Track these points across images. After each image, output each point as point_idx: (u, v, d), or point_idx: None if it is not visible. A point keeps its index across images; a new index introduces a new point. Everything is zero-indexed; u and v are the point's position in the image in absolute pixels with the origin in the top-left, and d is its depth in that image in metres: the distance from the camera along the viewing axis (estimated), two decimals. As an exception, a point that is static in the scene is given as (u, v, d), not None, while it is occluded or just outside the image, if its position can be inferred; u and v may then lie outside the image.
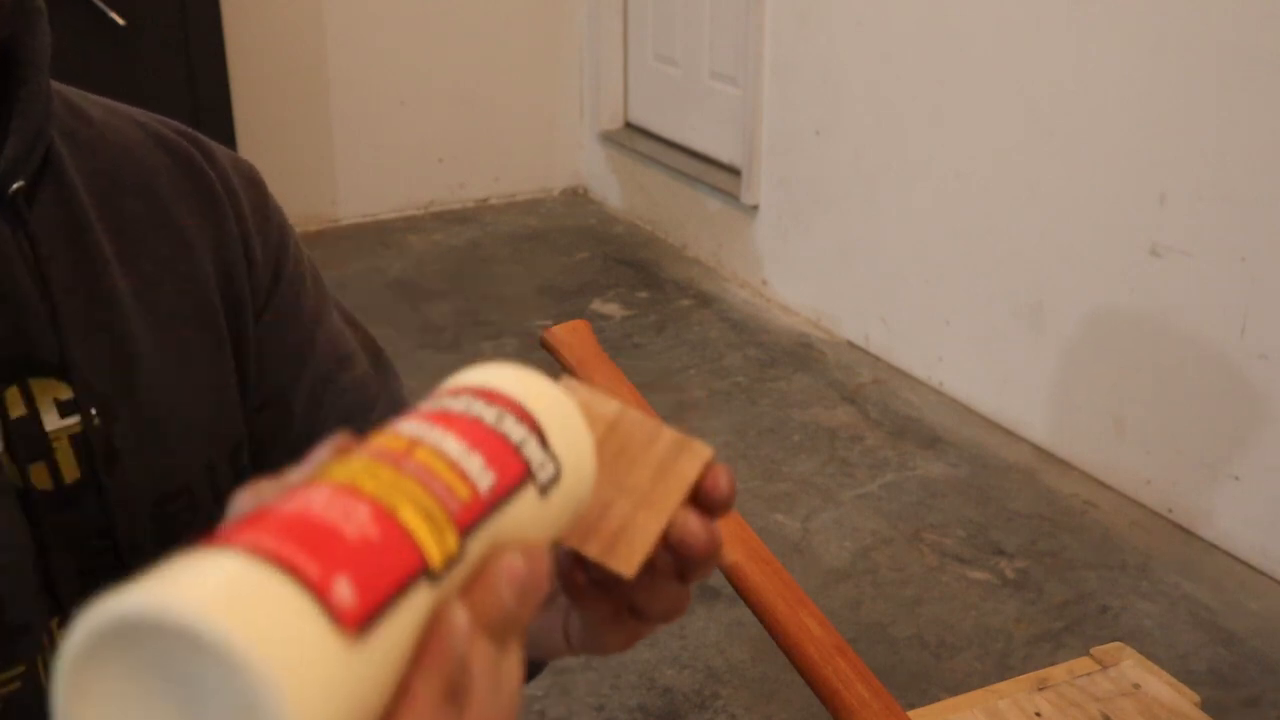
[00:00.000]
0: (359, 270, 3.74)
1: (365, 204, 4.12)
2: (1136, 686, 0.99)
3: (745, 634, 2.10)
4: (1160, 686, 0.99)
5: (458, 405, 0.40)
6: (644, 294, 3.59)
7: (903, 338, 3.09)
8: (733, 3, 3.51)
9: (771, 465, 2.67)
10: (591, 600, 0.51)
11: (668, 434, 0.48)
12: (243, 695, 0.29)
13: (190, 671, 0.30)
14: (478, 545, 0.37)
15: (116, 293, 0.67)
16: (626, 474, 0.47)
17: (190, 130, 0.77)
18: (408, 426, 0.39)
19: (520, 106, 4.28)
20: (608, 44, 4.14)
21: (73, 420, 0.64)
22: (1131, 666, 1.01)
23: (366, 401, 0.81)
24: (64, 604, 0.65)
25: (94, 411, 0.65)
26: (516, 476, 0.39)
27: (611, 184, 4.29)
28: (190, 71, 3.36)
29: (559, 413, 0.43)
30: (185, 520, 0.70)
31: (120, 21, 3.18)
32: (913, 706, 0.99)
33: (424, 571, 0.34)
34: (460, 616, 0.35)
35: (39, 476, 0.63)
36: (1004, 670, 2.03)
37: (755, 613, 0.78)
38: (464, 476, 0.37)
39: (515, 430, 0.40)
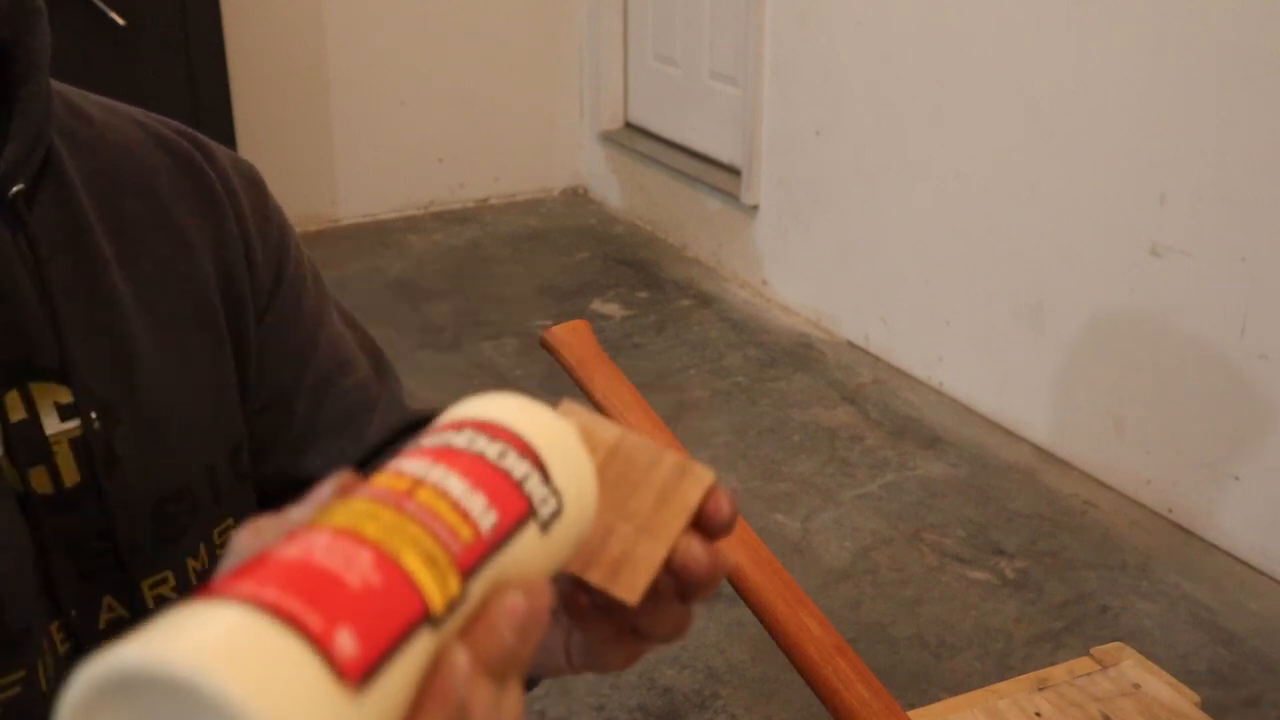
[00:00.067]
0: (359, 270, 3.74)
1: (365, 204, 4.12)
2: (1136, 686, 0.99)
3: (745, 634, 2.10)
4: (1160, 686, 0.99)
5: (460, 440, 0.40)
6: (644, 294, 3.59)
7: (903, 338, 3.09)
8: (733, 3, 3.51)
9: (771, 465, 2.67)
10: (594, 621, 0.50)
11: (669, 458, 0.48)
12: None
13: None
14: (479, 586, 0.37)
15: (116, 294, 0.67)
16: (628, 500, 0.47)
17: (190, 130, 0.77)
18: (410, 465, 0.39)
19: (520, 106, 4.28)
20: (608, 44, 4.14)
21: (73, 424, 0.64)
22: (1131, 666, 1.01)
23: (367, 404, 0.81)
24: (64, 608, 0.64)
25: (94, 415, 0.65)
26: (519, 514, 0.39)
27: (611, 184, 4.30)
28: (190, 71, 3.36)
29: (561, 445, 0.42)
30: (185, 523, 0.70)
31: (120, 21, 3.18)
32: (913, 706, 0.99)
33: (426, 617, 0.34)
34: (461, 660, 0.35)
35: (39, 480, 0.63)
36: (1004, 670, 2.03)
37: (755, 613, 0.78)
38: (466, 517, 0.37)
39: (518, 466, 0.40)
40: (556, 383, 2.93)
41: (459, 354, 3.20)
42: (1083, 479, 2.60)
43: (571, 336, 1.03)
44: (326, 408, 0.79)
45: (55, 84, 0.68)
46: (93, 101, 0.73)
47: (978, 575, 2.29)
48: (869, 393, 3.00)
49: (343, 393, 0.80)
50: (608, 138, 4.22)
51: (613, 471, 0.47)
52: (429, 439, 0.41)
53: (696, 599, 0.49)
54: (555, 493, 0.41)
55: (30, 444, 0.63)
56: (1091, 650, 1.04)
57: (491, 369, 3.12)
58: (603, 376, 0.98)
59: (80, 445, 0.64)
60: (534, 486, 0.40)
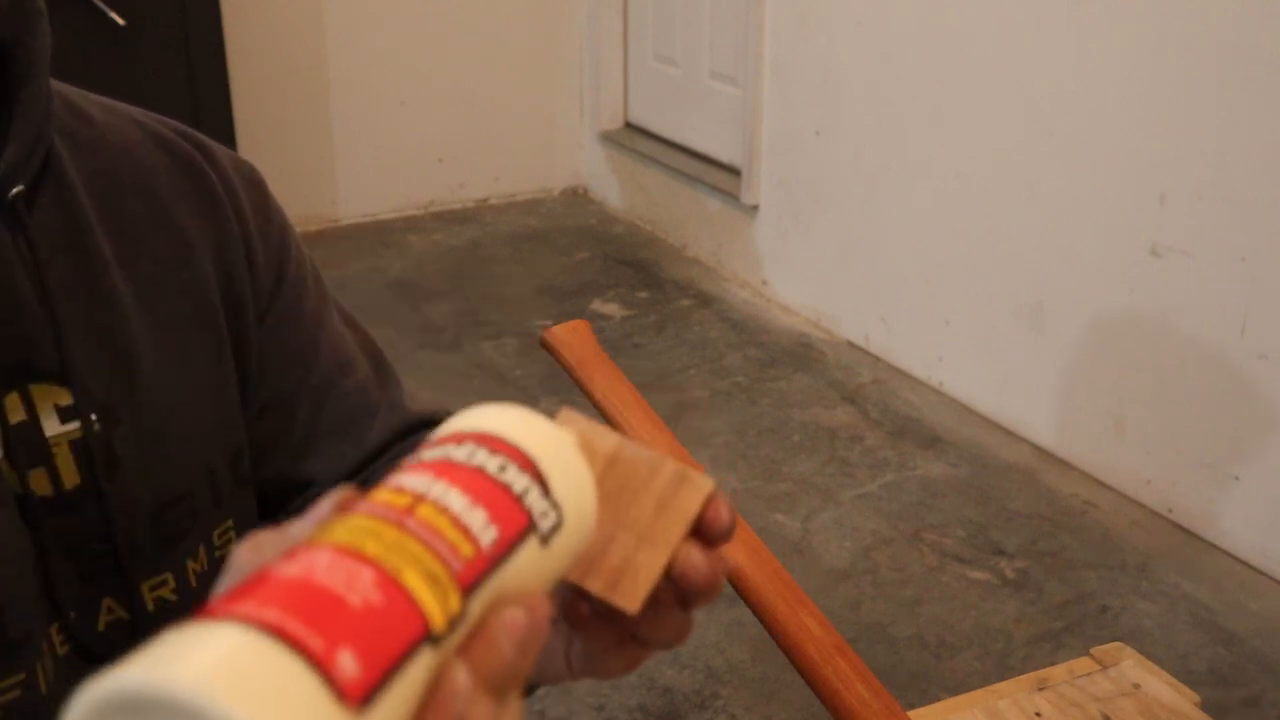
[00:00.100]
0: (359, 270, 3.74)
1: (365, 204, 4.12)
2: (1136, 686, 0.99)
3: (745, 634, 2.10)
4: (1160, 686, 0.99)
5: (461, 454, 0.40)
6: (644, 294, 3.59)
7: (903, 338, 3.09)
8: (733, 3, 3.51)
9: (771, 465, 2.67)
10: (594, 629, 0.51)
11: (668, 466, 0.48)
12: None
13: None
14: (480, 601, 0.37)
15: (116, 295, 0.67)
16: (628, 509, 0.47)
17: (191, 131, 0.76)
18: (410, 480, 0.39)
19: (520, 106, 4.28)
20: (608, 44, 4.14)
21: (73, 426, 0.64)
22: (1131, 666, 1.01)
23: (368, 406, 0.81)
24: (64, 610, 0.64)
25: (94, 417, 0.64)
26: (519, 529, 0.39)
27: (611, 184, 4.29)
28: (190, 71, 3.36)
29: (561, 457, 0.42)
30: (185, 525, 0.70)
31: (120, 21, 3.18)
32: (913, 706, 0.99)
33: (427, 636, 0.34)
34: (461, 678, 0.35)
35: (39, 482, 0.63)
36: (1004, 670, 2.03)
37: (755, 613, 0.78)
38: (467, 533, 0.37)
39: (518, 480, 0.40)
40: (556, 383, 2.94)
41: (459, 354, 3.20)
42: (1083, 479, 2.60)
43: (571, 336, 1.03)
44: (327, 410, 0.79)
45: (56, 84, 0.68)
46: (93, 101, 0.73)
47: (978, 575, 2.29)
48: (869, 393, 3.00)
49: (343, 395, 0.80)
50: (608, 138, 4.22)
51: (612, 480, 0.47)
52: (429, 452, 0.41)
53: (696, 606, 0.49)
54: (555, 506, 0.41)
55: (30, 446, 0.63)
56: (1091, 650, 1.04)
57: (491, 369, 3.12)
58: (603, 376, 0.98)
59: (80, 447, 0.64)
60: (534, 500, 0.40)
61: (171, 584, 0.69)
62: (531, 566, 0.40)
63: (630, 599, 0.46)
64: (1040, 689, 0.99)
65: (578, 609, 0.50)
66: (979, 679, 1.99)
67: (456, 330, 3.34)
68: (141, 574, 0.67)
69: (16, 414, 0.63)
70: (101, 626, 0.66)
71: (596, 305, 3.51)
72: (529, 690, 0.63)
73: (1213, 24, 2.19)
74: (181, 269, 0.71)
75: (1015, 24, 2.61)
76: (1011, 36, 2.63)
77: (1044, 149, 2.59)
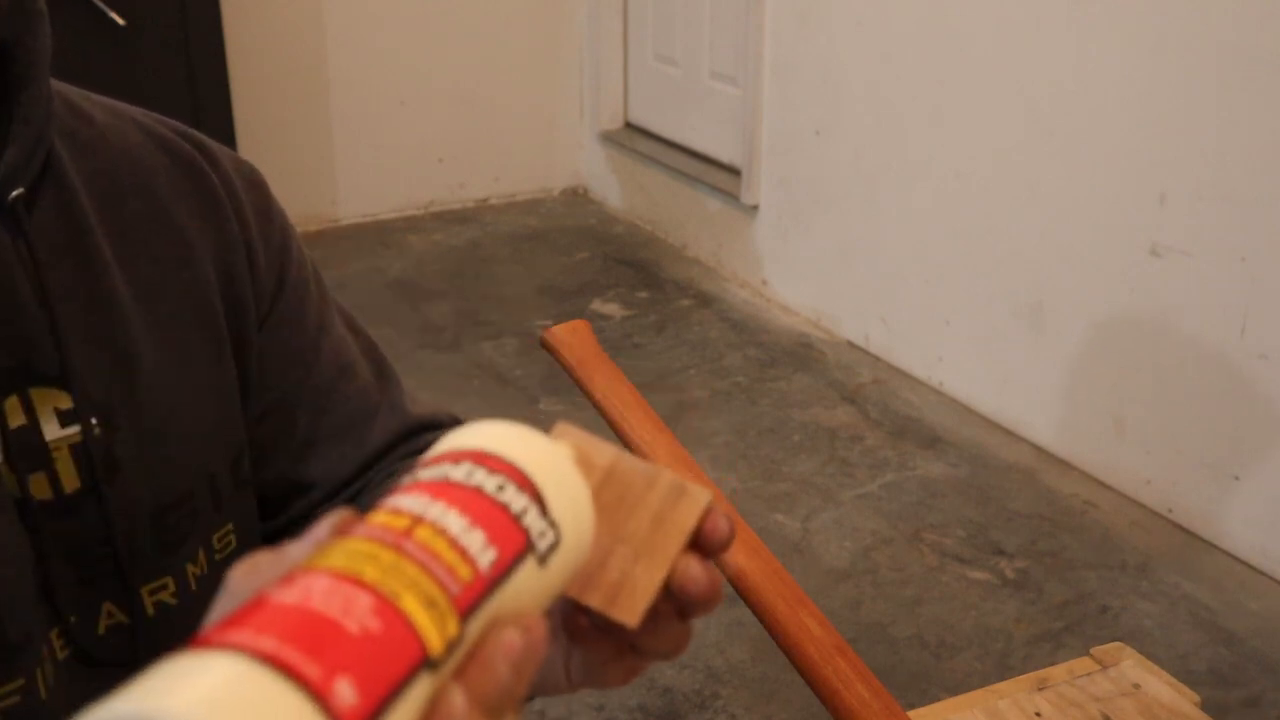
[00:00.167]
0: (359, 270, 3.74)
1: (365, 204, 4.12)
2: (1136, 686, 0.99)
3: (745, 634, 2.10)
4: (1160, 686, 0.99)
5: (458, 474, 0.40)
6: (644, 294, 3.59)
7: (903, 338, 3.09)
8: (733, 3, 3.51)
9: (771, 465, 2.67)
10: (593, 641, 0.51)
11: (665, 478, 0.48)
12: None
13: None
14: (478, 624, 0.37)
15: (117, 296, 0.67)
16: (625, 522, 0.47)
17: (192, 131, 0.76)
18: (408, 501, 0.38)
19: (520, 106, 4.28)
20: (608, 44, 4.14)
21: (73, 430, 0.64)
22: (1131, 666, 1.01)
23: (369, 409, 0.81)
24: (63, 614, 0.64)
25: (94, 421, 0.64)
26: (517, 550, 0.39)
27: (611, 184, 4.29)
28: (190, 71, 3.36)
29: (558, 475, 0.42)
30: (185, 529, 0.69)
31: (120, 21, 3.18)
32: (913, 706, 0.99)
33: (425, 661, 0.34)
34: (457, 701, 0.35)
35: (38, 487, 0.63)
36: (1004, 670, 2.03)
37: (755, 613, 0.78)
38: (465, 554, 0.37)
39: (516, 500, 0.40)
40: (556, 383, 2.94)
41: (459, 354, 3.20)
42: (1083, 479, 2.60)
43: (571, 336, 1.03)
44: (328, 413, 0.79)
45: (56, 84, 0.68)
46: (94, 102, 0.73)
47: (978, 575, 2.29)
48: (869, 393, 3.00)
49: (344, 398, 0.80)
50: (608, 138, 4.22)
51: (609, 494, 0.47)
52: (426, 472, 0.40)
53: (695, 616, 0.49)
54: (553, 524, 0.41)
55: (30, 450, 0.63)
56: (1091, 650, 1.04)
57: (491, 369, 3.12)
58: (603, 376, 0.98)
59: (80, 451, 0.64)
60: (532, 520, 0.40)
61: (172, 588, 0.69)
62: (529, 586, 0.39)
63: (629, 613, 0.45)
64: (1040, 689, 0.99)
65: (576, 621, 0.50)
66: (979, 679, 1.99)
67: (456, 330, 3.34)
68: (141, 578, 0.67)
69: (16, 418, 0.62)
70: (101, 630, 0.66)
71: (596, 305, 3.51)
72: (527, 698, 0.63)
73: (1213, 24, 2.19)
74: (181, 269, 0.71)
75: (1015, 24, 2.61)
76: (1011, 36, 2.63)
77: (1044, 149, 2.59)
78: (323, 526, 0.39)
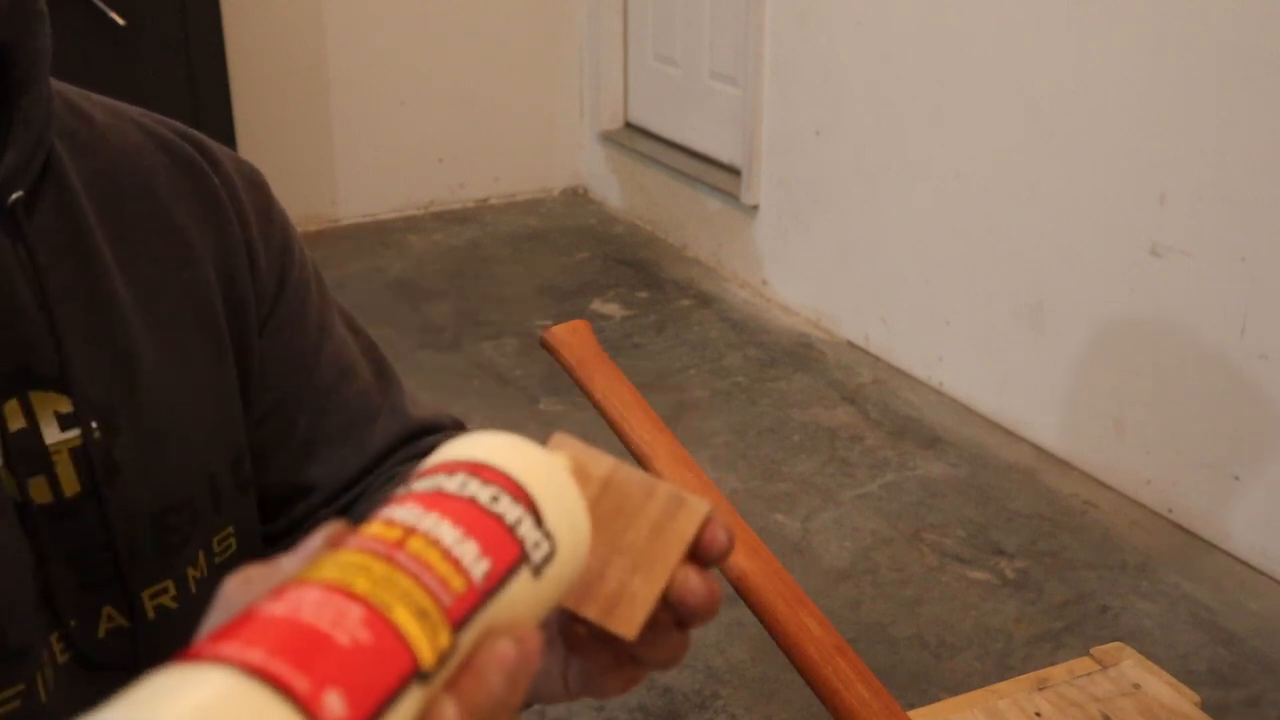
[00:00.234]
0: (359, 270, 3.74)
1: (365, 204, 4.12)
2: (1136, 686, 0.99)
3: (745, 634, 2.10)
4: (1160, 686, 0.99)
5: (452, 485, 0.40)
6: (644, 294, 3.59)
7: (903, 338, 3.09)
8: (733, 3, 3.51)
9: (771, 465, 2.67)
10: (591, 651, 0.50)
11: (663, 489, 0.48)
12: None
13: None
14: (471, 635, 0.37)
15: (117, 299, 0.66)
16: (623, 533, 0.47)
17: (192, 132, 0.76)
18: (401, 512, 0.38)
19: (520, 106, 4.28)
20: (608, 44, 4.14)
21: (73, 433, 0.64)
22: (1131, 666, 1.01)
23: (370, 412, 0.81)
24: (64, 618, 0.64)
25: (94, 424, 0.64)
26: (511, 561, 0.39)
27: (611, 184, 4.29)
28: (190, 71, 3.36)
29: (554, 486, 0.42)
30: (186, 532, 0.69)
31: (120, 21, 3.18)
32: (913, 706, 0.99)
33: (416, 673, 0.34)
34: (449, 713, 0.34)
35: (38, 490, 0.63)
36: (1004, 670, 2.03)
37: (755, 613, 0.78)
38: (458, 565, 0.37)
39: (510, 511, 0.40)
40: (556, 383, 2.93)
41: (459, 354, 3.20)
42: (1083, 479, 2.60)
43: (571, 336, 1.03)
44: (329, 416, 0.79)
45: (56, 84, 0.67)
46: (94, 102, 0.73)
47: (978, 575, 2.29)
48: (869, 393, 3.00)
49: (345, 401, 0.80)
50: (608, 138, 4.22)
51: (607, 504, 0.47)
52: (420, 483, 0.40)
53: (694, 627, 0.49)
54: (548, 536, 0.41)
55: (30, 454, 0.62)
56: (1091, 650, 1.04)
57: (491, 369, 3.12)
58: (603, 376, 0.98)
59: (80, 455, 0.64)
60: (527, 531, 0.40)
61: (172, 591, 0.69)
62: (523, 598, 0.39)
63: (627, 625, 0.45)
64: (1040, 689, 0.99)
65: (574, 631, 0.50)
66: (979, 679, 1.99)
67: (456, 330, 3.34)
68: (142, 581, 0.67)
69: (16, 421, 0.62)
70: (102, 634, 0.66)
71: (596, 305, 3.51)
72: (525, 705, 0.63)
73: (1213, 24, 2.19)
74: (181, 269, 0.71)
75: (1015, 24, 2.61)
76: (1011, 36, 2.63)
77: (1044, 149, 2.59)
78: (315, 538, 0.38)
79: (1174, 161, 2.31)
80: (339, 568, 0.35)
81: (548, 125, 4.35)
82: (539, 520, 0.41)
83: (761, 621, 0.78)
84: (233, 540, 0.73)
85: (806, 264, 3.39)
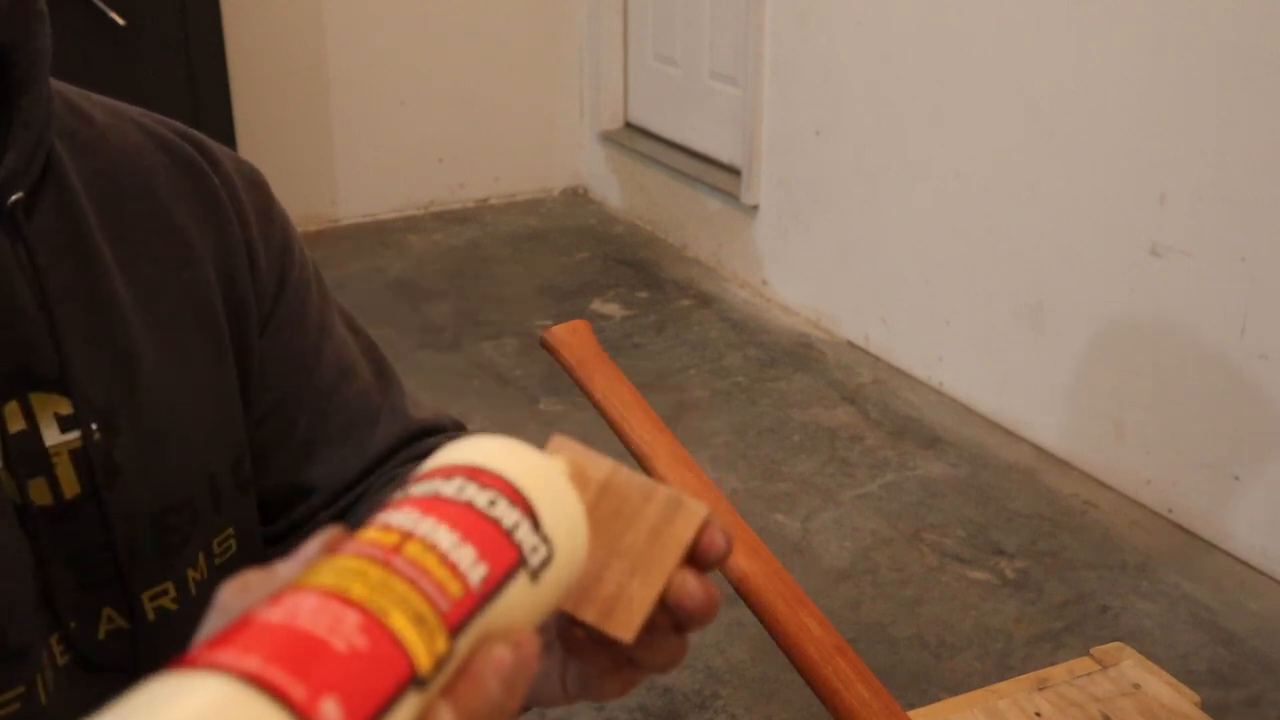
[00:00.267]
0: (359, 270, 3.74)
1: (365, 204, 4.12)
2: (1136, 686, 0.99)
3: (745, 634, 2.10)
4: (1160, 686, 0.99)
5: (449, 489, 0.40)
6: (644, 294, 3.59)
7: (903, 338, 3.09)
8: (733, 3, 3.51)
9: (771, 465, 2.67)
10: (589, 654, 0.50)
11: (661, 493, 0.48)
12: None
13: None
14: (468, 640, 0.36)
15: (117, 300, 0.66)
16: (621, 536, 0.47)
17: (192, 132, 0.76)
18: (398, 517, 0.38)
19: (520, 106, 4.28)
20: (608, 44, 4.14)
21: (73, 435, 0.63)
22: (1131, 666, 1.01)
23: (370, 412, 0.81)
24: (63, 619, 0.64)
25: (94, 426, 0.64)
26: (509, 565, 0.39)
27: (611, 184, 4.29)
28: (190, 71, 3.36)
29: (551, 490, 0.42)
30: (186, 533, 0.69)
31: (120, 21, 3.18)
32: (913, 706, 0.99)
33: (413, 679, 0.33)
34: (446, 719, 0.34)
35: (38, 492, 0.62)
36: (1004, 670, 2.03)
37: (755, 613, 0.78)
38: (455, 570, 0.37)
39: (508, 515, 0.40)
40: (556, 383, 2.93)
41: (459, 354, 3.20)
42: (1083, 479, 2.60)
43: (571, 336, 1.03)
44: (330, 417, 0.79)
45: (56, 84, 0.67)
46: (94, 102, 0.72)
47: (978, 575, 2.29)
48: (869, 393, 3.00)
49: (346, 402, 0.79)
50: (608, 138, 4.22)
51: (605, 508, 0.47)
52: (418, 487, 0.40)
53: (692, 630, 0.49)
54: (545, 540, 0.41)
55: (30, 455, 0.62)
56: (1091, 650, 1.04)
57: (491, 369, 3.12)
58: (603, 376, 0.98)
59: (80, 457, 0.64)
60: (524, 535, 0.40)
61: (172, 593, 0.68)
62: (521, 602, 0.39)
63: (624, 628, 0.45)
64: (1040, 689, 0.99)
65: (572, 633, 0.50)
66: (979, 679, 1.99)
67: (456, 330, 3.34)
68: (142, 583, 0.67)
69: (16, 423, 0.62)
70: (102, 636, 0.66)
71: (596, 305, 3.51)
72: (523, 709, 0.63)
73: (1213, 24, 2.19)
74: (181, 269, 0.70)
75: (1015, 24, 2.61)
76: (1011, 36, 2.63)
77: (1044, 149, 2.59)
78: (312, 544, 0.38)
79: (1174, 161, 2.31)
80: (335, 573, 0.35)
81: (548, 125, 4.35)
82: (537, 524, 0.40)
83: (761, 621, 0.78)
84: (233, 541, 0.73)
85: (806, 264, 3.39)
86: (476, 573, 0.37)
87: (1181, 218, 2.32)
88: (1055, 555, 2.35)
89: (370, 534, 0.37)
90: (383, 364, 0.84)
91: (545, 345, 1.05)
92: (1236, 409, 2.29)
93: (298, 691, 0.30)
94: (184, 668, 0.31)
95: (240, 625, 0.33)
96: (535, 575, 0.40)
